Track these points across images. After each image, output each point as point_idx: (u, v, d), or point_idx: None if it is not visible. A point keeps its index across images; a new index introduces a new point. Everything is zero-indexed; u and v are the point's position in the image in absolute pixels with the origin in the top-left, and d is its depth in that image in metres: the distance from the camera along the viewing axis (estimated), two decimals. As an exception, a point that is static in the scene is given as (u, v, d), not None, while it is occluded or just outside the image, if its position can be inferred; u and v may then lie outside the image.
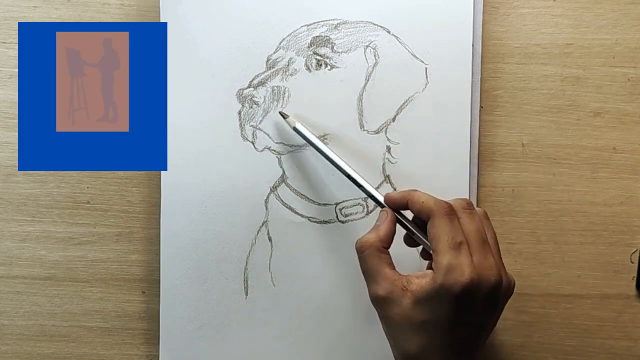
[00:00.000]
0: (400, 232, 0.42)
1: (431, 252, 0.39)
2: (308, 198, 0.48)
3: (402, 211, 0.42)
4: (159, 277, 0.49)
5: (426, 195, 0.40)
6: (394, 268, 0.40)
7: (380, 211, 0.43)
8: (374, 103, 0.48)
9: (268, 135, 0.48)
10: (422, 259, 0.44)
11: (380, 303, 0.39)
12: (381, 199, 0.43)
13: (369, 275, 0.40)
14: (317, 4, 0.48)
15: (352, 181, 0.44)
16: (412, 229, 0.42)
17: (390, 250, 0.41)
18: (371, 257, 0.40)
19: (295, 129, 0.47)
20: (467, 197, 0.47)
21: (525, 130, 0.49)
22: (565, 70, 0.49)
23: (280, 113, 0.47)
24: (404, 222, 0.42)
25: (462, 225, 0.39)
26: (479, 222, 0.39)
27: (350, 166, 0.45)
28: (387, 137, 0.48)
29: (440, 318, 0.37)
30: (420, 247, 0.43)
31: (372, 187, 0.44)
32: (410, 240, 0.43)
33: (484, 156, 0.49)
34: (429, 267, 0.40)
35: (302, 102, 0.48)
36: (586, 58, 0.49)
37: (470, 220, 0.39)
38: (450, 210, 0.39)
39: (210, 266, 0.48)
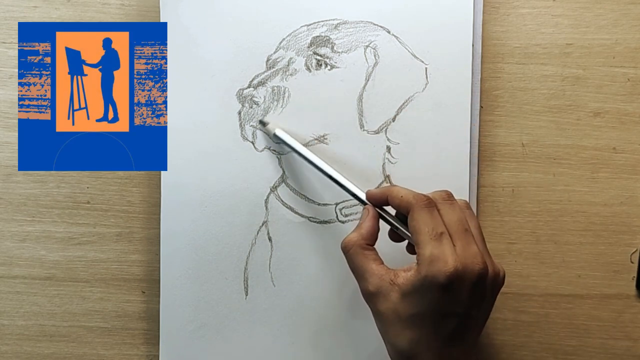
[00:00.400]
0: (386, 228, 0.43)
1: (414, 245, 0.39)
2: (308, 198, 0.48)
3: (385, 207, 0.42)
4: (159, 277, 0.49)
5: (405, 190, 0.40)
6: (381, 263, 0.40)
7: (363, 209, 0.43)
8: (374, 103, 0.48)
9: (268, 135, 0.48)
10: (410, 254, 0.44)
11: (371, 299, 0.39)
12: (363, 196, 0.43)
13: (357, 273, 0.40)
14: (317, 4, 0.48)
15: (334, 182, 0.44)
16: (395, 224, 0.42)
17: (387, 247, 0.41)
18: (356, 256, 0.40)
19: (275, 136, 0.47)
20: (467, 197, 0.47)
21: (525, 130, 0.49)
22: (565, 70, 0.49)
23: (260, 121, 0.48)
24: (387, 217, 0.42)
25: (442, 216, 0.39)
26: (459, 212, 0.39)
27: (331, 167, 0.45)
28: (387, 137, 0.48)
29: (427, 310, 0.37)
30: (406, 242, 0.43)
31: (354, 185, 0.44)
32: (394, 236, 0.43)
33: (484, 156, 0.49)
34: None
35: (302, 102, 0.48)
36: (586, 58, 0.49)
37: (450, 210, 0.39)
38: (429, 202, 0.39)
39: (210, 266, 0.48)
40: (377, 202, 0.42)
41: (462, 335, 0.38)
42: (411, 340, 0.38)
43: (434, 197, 0.40)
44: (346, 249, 0.41)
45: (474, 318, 0.38)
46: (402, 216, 0.41)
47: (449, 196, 0.40)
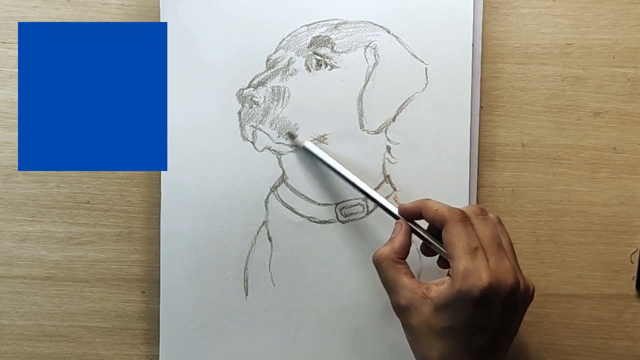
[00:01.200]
0: (417, 243, 0.43)
1: (448, 259, 0.39)
2: (308, 198, 0.48)
3: (417, 221, 0.43)
4: (159, 277, 0.49)
5: (439, 204, 0.40)
6: (412, 277, 0.40)
7: (395, 223, 0.43)
8: (374, 103, 0.48)
9: (268, 135, 0.48)
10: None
11: (402, 312, 0.39)
12: (395, 211, 0.43)
13: (388, 286, 0.41)
14: (317, 4, 0.48)
15: (366, 195, 0.44)
16: (428, 238, 0.42)
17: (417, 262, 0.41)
18: (388, 269, 0.40)
19: (304, 148, 0.47)
20: (467, 197, 0.47)
21: (525, 130, 0.49)
22: (565, 70, 0.49)
23: (288, 133, 0.48)
24: (419, 231, 0.42)
25: (476, 231, 0.39)
26: (492, 227, 0.40)
27: (363, 181, 0.45)
28: (387, 137, 0.48)
29: (460, 324, 0.37)
30: (438, 256, 0.43)
31: (387, 200, 0.44)
32: (426, 250, 0.43)
33: (484, 156, 0.49)
34: (448, 275, 0.40)
35: (302, 102, 0.48)
36: (586, 58, 0.49)
37: (484, 225, 0.39)
38: (463, 217, 0.39)
39: (210, 266, 0.48)
40: (410, 216, 0.42)
41: (493, 350, 0.38)
42: (442, 353, 0.38)
43: (467, 211, 0.40)
44: (378, 262, 0.41)
45: (504, 332, 0.39)
46: (435, 230, 0.42)
47: (481, 211, 0.40)
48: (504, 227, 0.41)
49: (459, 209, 0.40)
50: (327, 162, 0.46)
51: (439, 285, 0.38)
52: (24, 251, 0.50)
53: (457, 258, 0.38)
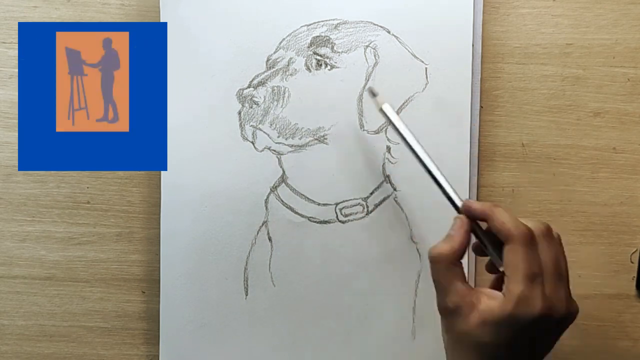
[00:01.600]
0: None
1: (501, 269, 0.38)
2: (308, 198, 0.48)
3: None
4: (159, 277, 0.49)
5: (507, 216, 0.38)
6: (465, 280, 0.39)
7: (455, 217, 0.40)
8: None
9: (268, 135, 0.48)
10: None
11: (446, 315, 0.39)
12: (459, 203, 0.40)
13: (439, 286, 0.39)
14: (317, 4, 0.48)
15: (431, 177, 0.41)
16: (487, 245, 0.40)
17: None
18: (444, 270, 0.39)
19: (381, 110, 0.44)
20: (467, 197, 0.47)
21: (525, 130, 0.49)
22: (565, 70, 0.49)
23: (369, 89, 0.45)
24: (480, 235, 0.40)
25: (539, 254, 0.38)
26: (555, 251, 0.38)
27: (434, 163, 0.42)
28: (387, 137, 0.48)
29: (502, 344, 0.37)
30: (488, 258, 0.41)
31: (452, 188, 0.41)
32: (480, 251, 0.42)
33: (484, 156, 0.49)
34: (493, 283, 0.40)
35: (302, 102, 0.48)
36: (586, 58, 0.49)
37: (547, 249, 0.38)
38: (530, 240, 0.37)
39: (210, 266, 0.48)
40: (474, 217, 0.40)
41: None
42: None
43: (534, 230, 0.38)
44: (435, 260, 0.39)
45: (540, 352, 0.39)
46: (493, 234, 0.39)
47: (548, 230, 0.39)
48: (562, 249, 0.40)
49: (526, 227, 0.38)
50: (398, 129, 0.42)
51: (490, 300, 0.37)
52: (24, 251, 0.50)
53: (515, 281, 0.37)
